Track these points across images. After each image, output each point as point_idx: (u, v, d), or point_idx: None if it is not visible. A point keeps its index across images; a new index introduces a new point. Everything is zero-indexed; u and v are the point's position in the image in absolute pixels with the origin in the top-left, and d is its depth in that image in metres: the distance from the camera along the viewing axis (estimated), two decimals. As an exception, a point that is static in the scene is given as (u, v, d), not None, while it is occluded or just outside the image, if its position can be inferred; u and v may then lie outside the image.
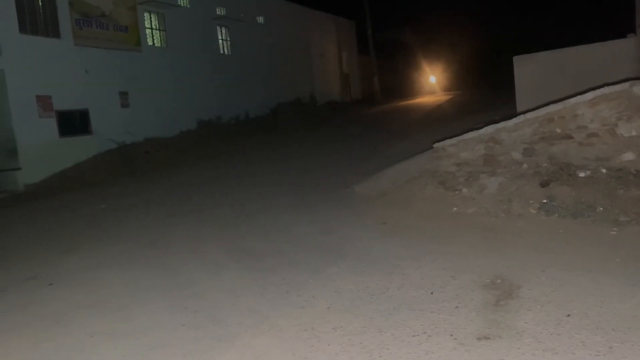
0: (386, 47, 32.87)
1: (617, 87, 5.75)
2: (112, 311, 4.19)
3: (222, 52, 21.04)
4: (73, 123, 14.19)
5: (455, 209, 6.24)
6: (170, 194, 9.83)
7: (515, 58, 9.63)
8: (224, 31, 21.08)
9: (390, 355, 3.00)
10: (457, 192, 6.55)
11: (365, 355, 3.03)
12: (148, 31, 17.27)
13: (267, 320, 3.66)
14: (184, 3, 18.77)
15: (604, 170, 5.79)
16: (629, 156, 5.74)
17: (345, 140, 15.30)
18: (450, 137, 7.15)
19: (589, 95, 5.89)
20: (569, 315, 3.26)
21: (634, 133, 5.71)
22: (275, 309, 3.87)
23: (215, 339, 3.44)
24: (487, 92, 21.64)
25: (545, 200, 5.71)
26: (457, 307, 3.57)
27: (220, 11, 20.65)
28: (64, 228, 7.65)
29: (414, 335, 3.21)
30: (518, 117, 6.51)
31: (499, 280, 3.97)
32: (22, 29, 12.97)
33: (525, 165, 6.38)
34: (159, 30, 17.74)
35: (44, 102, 13.32)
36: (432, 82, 33.24)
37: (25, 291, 4.91)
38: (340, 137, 16.72)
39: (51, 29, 13.82)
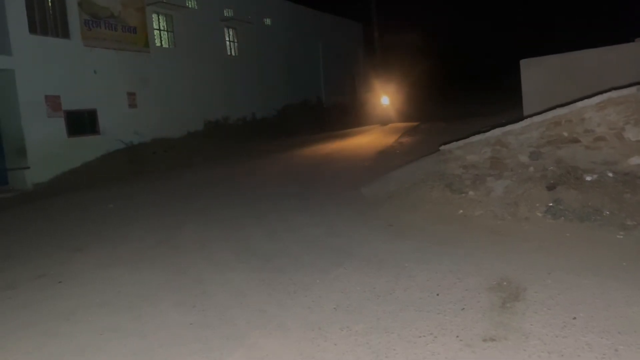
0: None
1: (625, 91, 5.75)
2: (121, 309, 4.23)
3: (229, 53, 21.11)
4: (81, 123, 14.29)
5: (462, 211, 6.26)
6: (177, 194, 9.88)
7: (522, 61, 9.63)
8: (231, 33, 21.17)
9: (396, 356, 3.03)
10: (463, 194, 6.56)
11: (371, 356, 3.06)
12: (156, 32, 17.36)
13: (275, 320, 3.70)
14: (191, 4, 18.86)
15: (610, 174, 5.79)
16: (636, 160, 5.73)
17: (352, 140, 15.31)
18: (457, 140, 7.17)
19: (596, 99, 5.90)
20: (575, 318, 3.27)
21: (641, 137, 5.71)
22: (282, 308, 3.91)
23: (224, 338, 3.48)
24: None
25: (551, 204, 5.72)
26: (463, 308, 3.59)
27: (227, 13, 20.73)
28: (72, 227, 7.71)
29: (420, 336, 3.24)
30: (525, 120, 6.52)
31: (505, 283, 3.98)
32: (32, 29, 13.07)
33: (532, 169, 6.38)
34: (167, 31, 17.83)
35: (52, 101, 13.42)
36: (385, 104, 22.59)
37: (35, 289, 4.96)
38: (346, 138, 16.75)
39: (61, 30, 13.93)
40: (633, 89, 5.70)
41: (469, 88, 28.67)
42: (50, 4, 13.71)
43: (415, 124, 18.63)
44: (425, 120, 19.07)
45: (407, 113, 22.88)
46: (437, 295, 3.88)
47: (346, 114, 25.31)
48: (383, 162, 11.13)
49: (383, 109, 22.42)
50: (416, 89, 27.74)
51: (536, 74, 9.40)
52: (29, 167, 12.64)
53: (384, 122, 20.94)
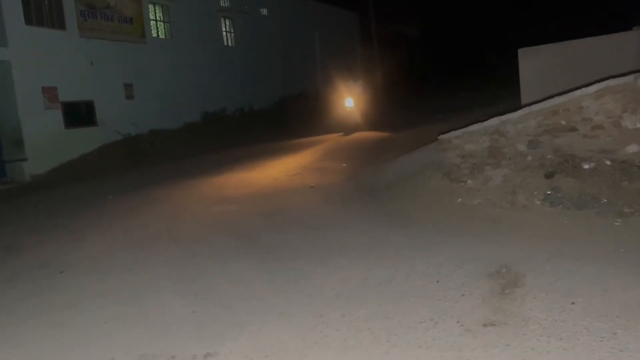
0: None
1: (622, 80, 5.77)
2: (123, 298, 4.27)
3: (226, 44, 21.04)
4: (78, 114, 14.26)
5: (460, 200, 6.30)
6: (176, 185, 9.88)
7: (520, 50, 9.63)
8: (227, 23, 21.08)
9: (398, 341, 3.08)
10: (462, 183, 6.59)
11: (373, 341, 3.11)
12: (152, 23, 17.28)
13: (277, 308, 3.74)
14: (188, -5, 18.78)
15: (608, 162, 5.83)
16: (633, 148, 5.77)
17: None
18: (456, 129, 7.19)
19: (594, 88, 5.92)
20: (573, 303, 3.32)
21: (638, 125, 5.74)
22: (284, 296, 3.95)
23: (227, 326, 3.52)
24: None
25: (549, 192, 5.76)
26: (463, 295, 3.64)
27: (224, 3, 20.63)
28: (72, 218, 7.72)
29: (421, 322, 3.28)
30: (523, 109, 6.54)
31: (504, 270, 4.03)
32: (28, 20, 12.99)
33: (530, 157, 6.41)
34: (164, 22, 17.75)
35: (49, 93, 13.38)
36: (349, 107, 16.27)
37: (38, 279, 4.99)
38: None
39: (56, 21, 13.84)
40: (631, 78, 5.73)
41: (463, 78, 28.23)
42: (45, -6, 13.63)
43: (386, 134, 14.03)
44: (402, 126, 14.44)
45: (387, 116, 18.05)
46: (437, 282, 3.92)
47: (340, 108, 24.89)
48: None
49: (349, 113, 16.25)
50: (406, 83, 26.24)
51: (534, 63, 9.41)
52: (26, 159, 12.62)
53: (348, 130, 15.58)
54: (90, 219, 7.52)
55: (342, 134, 15.47)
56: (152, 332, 3.55)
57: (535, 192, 5.86)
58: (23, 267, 5.44)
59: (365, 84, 17.22)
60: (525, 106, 6.68)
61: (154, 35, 17.33)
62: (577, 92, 6.04)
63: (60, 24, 13.93)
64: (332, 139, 14.84)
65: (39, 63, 13.09)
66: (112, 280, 4.78)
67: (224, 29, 20.90)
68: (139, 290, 4.42)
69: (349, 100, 16.19)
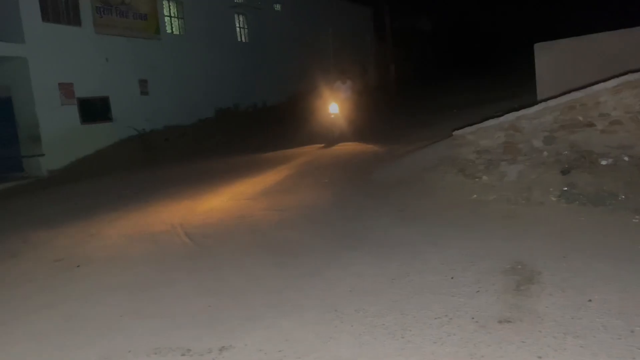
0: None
1: (641, 74, 5.68)
2: (138, 292, 4.30)
3: (239, 40, 21.08)
4: (94, 110, 14.41)
5: (475, 196, 6.26)
6: (190, 179, 9.94)
7: (536, 45, 9.51)
8: (241, 19, 21.11)
9: (412, 336, 3.07)
10: (477, 179, 6.55)
11: (387, 336, 3.10)
12: (167, 19, 17.38)
13: (291, 302, 3.75)
14: (201, -9, 18.84)
15: (626, 158, 5.75)
16: (652, 144, 5.68)
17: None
18: (470, 125, 7.13)
19: (612, 83, 5.83)
20: (590, 300, 3.28)
21: (657, 121, 5.65)
22: (298, 291, 3.95)
23: (241, 320, 3.53)
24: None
25: (566, 188, 5.70)
26: (477, 291, 3.62)
27: (237, -1, 20.69)
28: (87, 213, 7.80)
29: (435, 318, 3.27)
30: (539, 104, 6.47)
31: (519, 266, 4.00)
32: (45, 17, 13.15)
33: (545, 153, 6.35)
34: (178, 18, 17.84)
35: (66, 89, 13.54)
36: (334, 114, 13.56)
37: (54, 272, 5.06)
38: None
39: (72, 17, 14.00)
40: (650, 72, 5.63)
41: (478, 74, 27.69)
42: (62, -9, 13.77)
43: (375, 148, 11.30)
44: (401, 135, 12.19)
45: (386, 120, 16.34)
46: (452, 278, 3.90)
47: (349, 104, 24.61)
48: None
49: (333, 120, 13.67)
50: (418, 79, 25.74)
51: (550, 57, 9.28)
52: (43, 155, 12.80)
53: (330, 142, 13.17)
54: (106, 214, 7.59)
55: (323, 145, 12.98)
56: (168, 326, 3.57)
57: (551, 189, 5.80)
58: (40, 261, 5.51)
59: (354, 85, 14.63)
60: (541, 101, 6.60)
61: (169, 31, 17.43)
62: (595, 87, 5.95)
63: (76, 21, 14.07)
64: (308, 153, 12.04)
65: (55, 59, 13.25)
66: (127, 274, 4.83)
67: (237, 25, 20.94)
68: (154, 284, 4.46)
69: (334, 105, 13.69)
